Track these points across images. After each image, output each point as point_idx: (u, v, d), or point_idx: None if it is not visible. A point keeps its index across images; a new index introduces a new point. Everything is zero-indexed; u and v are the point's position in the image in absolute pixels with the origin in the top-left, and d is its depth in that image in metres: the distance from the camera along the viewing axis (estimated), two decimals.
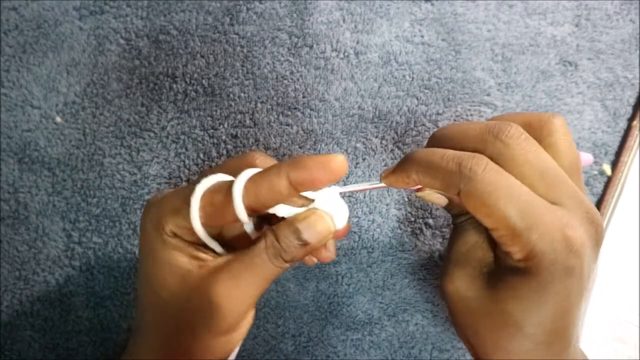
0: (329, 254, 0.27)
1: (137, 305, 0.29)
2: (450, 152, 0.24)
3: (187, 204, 0.24)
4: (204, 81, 0.37)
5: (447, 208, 0.29)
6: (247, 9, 0.37)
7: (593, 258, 0.24)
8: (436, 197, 0.28)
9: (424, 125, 0.38)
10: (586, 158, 0.28)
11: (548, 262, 0.22)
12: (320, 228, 0.25)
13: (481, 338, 0.25)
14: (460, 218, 0.28)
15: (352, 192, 0.28)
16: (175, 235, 0.25)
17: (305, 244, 0.25)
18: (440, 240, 0.37)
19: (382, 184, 0.28)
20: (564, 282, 0.23)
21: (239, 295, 0.24)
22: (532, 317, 0.23)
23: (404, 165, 0.26)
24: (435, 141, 0.27)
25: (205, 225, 0.24)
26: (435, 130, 0.38)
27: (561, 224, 0.23)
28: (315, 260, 0.29)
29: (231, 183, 0.24)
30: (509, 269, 0.24)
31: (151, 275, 0.26)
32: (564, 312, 0.24)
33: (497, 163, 0.24)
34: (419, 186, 0.27)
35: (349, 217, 0.27)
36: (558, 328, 0.24)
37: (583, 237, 0.23)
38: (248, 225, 0.26)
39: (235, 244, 0.28)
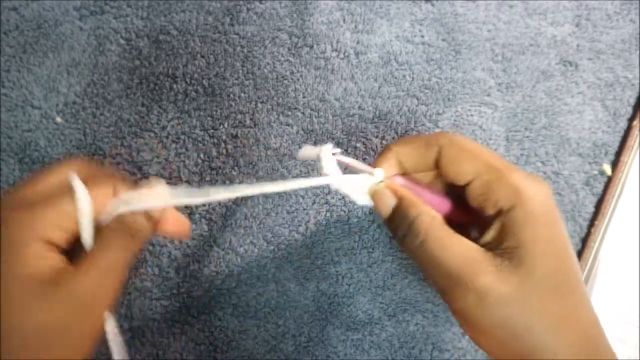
0: (175, 228, 0.27)
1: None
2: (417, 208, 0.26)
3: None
4: (204, 81, 0.37)
5: (390, 221, 0.27)
6: (248, 9, 0.37)
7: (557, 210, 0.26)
8: (384, 194, 0.27)
9: (424, 125, 0.38)
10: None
11: (536, 200, 0.24)
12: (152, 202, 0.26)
13: (524, 329, 0.24)
14: (411, 235, 0.26)
15: (342, 162, 0.27)
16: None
17: (150, 217, 0.25)
18: None
19: (370, 169, 0.27)
20: (555, 228, 0.24)
21: (104, 301, 0.25)
22: (541, 268, 0.23)
23: (385, 147, 0.27)
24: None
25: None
26: (434, 130, 0.38)
27: (515, 187, 0.24)
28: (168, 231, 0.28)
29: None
30: (509, 236, 0.24)
31: (8, 297, 0.23)
32: (565, 257, 0.24)
33: (443, 147, 0.26)
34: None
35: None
36: (564, 279, 0.24)
37: (543, 191, 0.25)
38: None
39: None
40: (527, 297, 0.23)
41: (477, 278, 0.24)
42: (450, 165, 0.25)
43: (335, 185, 0.26)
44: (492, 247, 0.24)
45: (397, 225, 0.26)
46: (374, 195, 0.26)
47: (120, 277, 0.25)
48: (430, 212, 0.25)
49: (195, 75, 0.37)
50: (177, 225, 0.27)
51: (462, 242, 0.25)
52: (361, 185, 0.26)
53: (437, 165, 0.26)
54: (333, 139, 0.37)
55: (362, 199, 0.26)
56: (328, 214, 0.37)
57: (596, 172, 0.38)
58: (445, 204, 0.26)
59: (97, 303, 0.25)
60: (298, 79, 0.37)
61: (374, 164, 0.27)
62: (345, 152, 0.37)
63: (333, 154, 0.27)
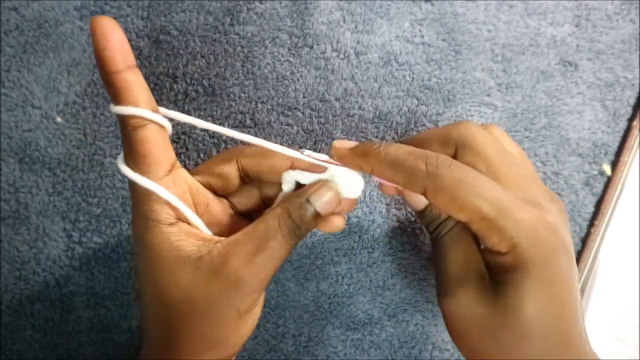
0: (338, 223, 0.27)
1: (144, 311, 0.28)
2: (418, 150, 0.24)
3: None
4: (204, 81, 0.37)
5: (421, 216, 0.28)
6: (248, 9, 0.37)
7: (568, 234, 0.24)
8: (416, 198, 0.27)
9: (424, 125, 0.38)
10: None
11: (533, 246, 0.22)
12: (328, 198, 0.25)
13: (494, 354, 0.24)
14: (437, 231, 0.27)
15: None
16: (174, 221, 0.25)
17: (317, 215, 0.25)
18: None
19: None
20: (554, 272, 0.23)
21: (257, 275, 0.24)
22: (535, 318, 0.23)
23: (365, 151, 0.25)
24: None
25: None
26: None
27: (533, 208, 0.23)
28: (337, 224, 0.28)
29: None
30: (504, 271, 0.23)
31: (161, 281, 0.24)
32: (563, 305, 0.23)
33: (461, 146, 0.25)
34: (386, 182, 0.27)
35: (362, 190, 0.27)
36: (564, 329, 0.23)
37: (555, 215, 0.23)
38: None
39: (219, 225, 0.28)
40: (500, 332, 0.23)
41: (463, 288, 0.25)
42: (440, 208, 0.25)
43: (330, 172, 0.27)
44: (497, 267, 0.24)
45: (427, 218, 0.28)
46: (404, 192, 0.27)
47: (273, 270, 0.25)
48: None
49: (196, 75, 0.37)
50: (340, 222, 0.27)
51: (469, 248, 0.26)
52: (353, 179, 0.27)
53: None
54: (333, 139, 0.37)
55: (350, 191, 0.27)
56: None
57: (596, 172, 0.38)
58: None
59: (246, 288, 0.24)
60: (298, 79, 0.37)
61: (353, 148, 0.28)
62: None
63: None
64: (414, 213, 0.36)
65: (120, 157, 0.25)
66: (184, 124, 0.37)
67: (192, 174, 0.28)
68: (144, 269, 0.26)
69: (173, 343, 0.25)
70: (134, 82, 0.24)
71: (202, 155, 0.37)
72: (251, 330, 0.27)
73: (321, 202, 0.25)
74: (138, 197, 0.25)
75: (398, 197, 0.37)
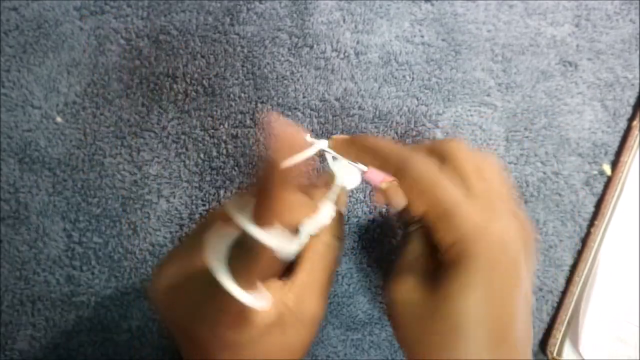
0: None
1: None
2: (400, 149, 0.27)
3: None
4: (204, 81, 0.37)
5: (399, 217, 0.30)
6: (248, 9, 0.37)
7: (520, 252, 0.25)
8: (397, 194, 0.28)
9: (424, 125, 0.38)
10: (376, 176, 0.29)
11: (475, 244, 0.24)
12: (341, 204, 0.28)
13: (426, 345, 0.24)
14: (406, 230, 0.29)
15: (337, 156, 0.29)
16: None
17: (340, 237, 0.28)
18: None
19: (364, 168, 0.29)
20: (491, 272, 0.23)
21: (326, 304, 0.27)
22: (469, 312, 0.23)
23: (355, 136, 0.29)
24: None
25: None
26: (434, 131, 0.38)
27: (484, 213, 0.24)
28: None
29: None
30: (447, 266, 0.24)
31: (251, 350, 0.24)
32: (500, 305, 0.24)
33: (444, 158, 0.27)
34: (383, 178, 0.28)
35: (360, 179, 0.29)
36: (499, 327, 0.23)
37: (508, 226, 0.25)
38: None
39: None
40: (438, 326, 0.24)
41: (406, 276, 0.26)
42: (403, 188, 0.27)
43: (334, 167, 0.29)
44: (442, 263, 0.25)
45: (402, 219, 0.29)
46: (387, 190, 0.28)
47: (325, 295, 0.27)
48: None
49: (196, 75, 0.37)
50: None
51: (423, 245, 0.27)
52: (350, 171, 0.29)
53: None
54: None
55: (348, 181, 0.29)
56: (345, 209, 0.37)
57: (596, 172, 0.38)
58: None
59: (321, 317, 0.26)
60: (298, 79, 0.37)
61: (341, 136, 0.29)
62: None
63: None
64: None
65: (219, 247, 0.22)
66: (184, 123, 0.37)
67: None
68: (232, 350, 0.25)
69: None
70: (288, 202, 0.22)
71: (202, 155, 0.37)
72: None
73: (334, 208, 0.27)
74: (230, 302, 0.22)
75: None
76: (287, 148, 0.21)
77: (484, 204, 0.25)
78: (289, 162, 0.24)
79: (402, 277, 0.26)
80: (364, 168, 0.29)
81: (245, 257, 0.22)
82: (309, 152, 0.27)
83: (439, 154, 0.27)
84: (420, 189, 0.25)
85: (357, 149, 0.28)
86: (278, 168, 0.20)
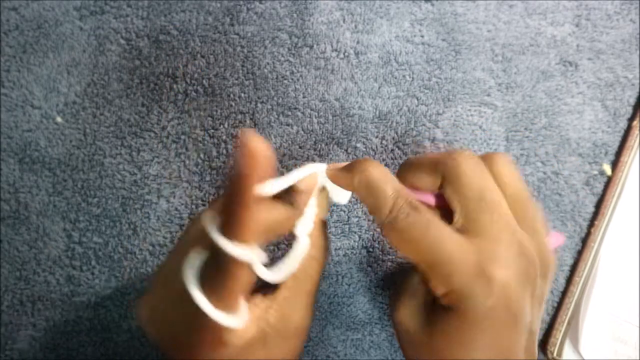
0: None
1: None
2: (396, 185, 0.25)
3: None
4: (204, 81, 0.37)
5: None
6: (248, 9, 0.37)
7: (524, 294, 0.23)
8: None
9: (424, 125, 0.38)
10: (556, 239, 0.27)
11: (467, 300, 0.22)
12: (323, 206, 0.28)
13: None
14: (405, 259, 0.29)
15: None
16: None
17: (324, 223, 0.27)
18: None
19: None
20: (487, 322, 0.22)
21: (312, 315, 0.27)
22: (465, 356, 0.23)
23: (353, 168, 0.26)
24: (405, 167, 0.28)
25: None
26: (434, 130, 0.38)
27: (478, 261, 0.22)
28: None
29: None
30: (441, 306, 0.24)
31: None
32: (497, 354, 0.23)
33: (445, 179, 0.25)
34: None
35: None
36: None
37: (506, 273, 0.23)
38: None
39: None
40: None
41: (411, 301, 0.26)
42: (389, 241, 0.27)
43: (322, 179, 0.28)
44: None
45: None
46: None
47: (309, 307, 0.26)
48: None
49: (195, 75, 0.37)
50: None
51: (418, 277, 0.27)
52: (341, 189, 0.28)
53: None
54: (333, 139, 0.37)
55: (339, 197, 0.28)
56: (328, 214, 0.37)
57: (596, 172, 0.38)
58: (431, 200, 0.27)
59: (308, 328, 0.27)
60: (298, 79, 0.37)
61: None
62: (346, 152, 0.37)
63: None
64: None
65: (193, 268, 0.22)
66: (184, 123, 0.37)
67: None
68: None
69: None
70: (256, 220, 0.22)
71: (202, 155, 0.37)
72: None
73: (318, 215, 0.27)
74: (206, 323, 0.22)
75: None
76: (256, 166, 0.20)
77: (482, 243, 0.23)
78: (280, 185, 0.25)
79: (405, 300, 0.26)
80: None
81: (218, 273, 0.22)
82: (302, 175, 0.26)
83: (441, 172, 0.25)
84: (406, 238, 0.24)
85: (350, 181, 0.26)
86: (246, 183, 0.20)
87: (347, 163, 0.27)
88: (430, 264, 0.23)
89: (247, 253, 0.21)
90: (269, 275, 0.24)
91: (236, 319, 0.22)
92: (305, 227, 0.26)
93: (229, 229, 0.21)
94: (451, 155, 0.25)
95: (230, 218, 0.21)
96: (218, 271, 0.22)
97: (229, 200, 0.21)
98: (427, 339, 0.24)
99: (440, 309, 0.24)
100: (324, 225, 0.27)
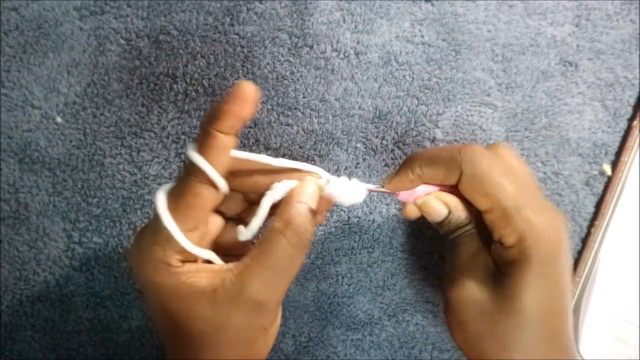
0: (320, 219, 0.29)
1: (164, 342, 0.28)
2: (449, 145, 0.28)
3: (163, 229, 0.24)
4: (204, 81, 0.37)
5: (440, 226, 0.30)
6: (248, 9, 0.37)
7: (569, 241, 0.27)
8: (437, 206, 0.29)
9: (424, 125, 0.38)
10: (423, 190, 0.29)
11: (538, 243, 0.25)
12: (312, 190, 0.27)
13: (489, 340, 0.26)
14: (452, 235, 0.29)
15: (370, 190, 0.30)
16: (182, 262, 0.25)
17: (313, 212, 0.26)
18: (440, 241, 0.37)
19: (385, 190, 0.29)
20: (555, 270, 0.25)
21: (275, 295, 0.26)
22: (534, 309, 0.24)
23: (406, 163, 0.28)
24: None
25: (192, 234, 0.24)
26: (434, 131, 0.38)
27: (543, 211, 0.26)
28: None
29: (186, 178, 0.24)
30: (508, 265, 0.25)
31: (178, 316, 0.25)
32: (558, 301, 0.25)
33: (463, 182, 0.27)
34: (416, 195, 0.29)
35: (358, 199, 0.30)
36: (557, 323, 0.25)
37: (560, 222, 0.26)
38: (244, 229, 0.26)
39: (232, 251, 0.28)
40: (506, 329, 0.25)
41: (468, 276, 0.27)
42: (467, 194, 0.27)
43: (331, 185, 0.28)
44: (502, 261, 0.26)
45: (445, 227, 0.29)
46: (423, 205, 0.29)
47: (289, 283, 0.26)
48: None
49: (196, 75, 0.37)
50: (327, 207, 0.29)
51: (478, 245, 0.28)
52: (356, 189, 0.29)
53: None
54: (333, 139, 0.37)
55: (350, 200, 0.29)
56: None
57: (596, 172, 0.38)
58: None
59: (267, 308, 0.26)
60: (298, 79, 0.37)
61: (391, 176, 0.29)
62: (346, 152, 0.37)
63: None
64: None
65: (163, 191, 0.25)
66: (184, 123, 0.37)
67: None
68: (156, 306, 0.26)
69: None
70: (226, 146, 0.24)
71: None
72: (276, 335, 0.28)
73: (308, 196, 0.26)
74: (155, 238, 0.24)
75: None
76: (238, 101, 0.23)
77: (535, 203, 0.26)
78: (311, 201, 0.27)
79: (463, 277, 0.27)
80: (371, 187, 0.29)
81: (181, 186, 0.24)
82: (299, 165, 0.27)
83: (460, 168, 0.27)
84: (485, 190, 0.26)
85: (415, 171, 0.28)
86: (224, 112, 0.23)
87: (396, 171, 0.29)
88: (504, 208, 0.25)
89: (210, 169, 0.23)
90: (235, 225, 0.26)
91: (189, 241, 0.24)
92: (272, 196, 0.26)
93: (199, 144, 0.24)
94: (464, 150, 0.27)
95: (202, 135, 0.24)
96: (181, 184, 0.24)
97: (206, 123, 0.24)
98: (502, 305, 0.25)
99: (508, 269, 0.25)
100: (310, 212, 0.26)
